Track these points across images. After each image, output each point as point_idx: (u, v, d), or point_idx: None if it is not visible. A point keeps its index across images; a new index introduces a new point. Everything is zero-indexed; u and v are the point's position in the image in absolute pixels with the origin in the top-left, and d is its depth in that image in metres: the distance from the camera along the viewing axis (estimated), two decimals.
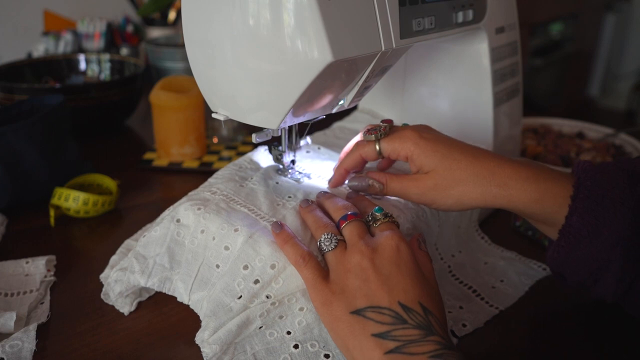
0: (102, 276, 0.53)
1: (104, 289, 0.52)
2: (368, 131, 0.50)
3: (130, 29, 1.31)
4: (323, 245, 0.44)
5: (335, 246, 0.43)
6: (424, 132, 0.49)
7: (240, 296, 0.44)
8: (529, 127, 0.89)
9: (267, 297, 0.44)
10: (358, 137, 0.54)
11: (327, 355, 0.42)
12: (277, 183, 0.54)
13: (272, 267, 0.44)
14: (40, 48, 1.25)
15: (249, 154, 0.59)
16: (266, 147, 0.59)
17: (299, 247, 0.44)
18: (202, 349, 0.43)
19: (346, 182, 0.53)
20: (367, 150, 0.51)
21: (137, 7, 1.29)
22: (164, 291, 0.49)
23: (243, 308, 0.44)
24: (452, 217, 0.58)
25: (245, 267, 0.45)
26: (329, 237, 0.44)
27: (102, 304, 0.51)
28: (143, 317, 0.50)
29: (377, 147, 0.50)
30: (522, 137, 0.75)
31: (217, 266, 0.46)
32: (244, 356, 0.43)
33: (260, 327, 0.44)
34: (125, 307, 0.51)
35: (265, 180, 0.54)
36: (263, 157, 0.59)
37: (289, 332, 0.43)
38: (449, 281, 0.55)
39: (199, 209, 0.49)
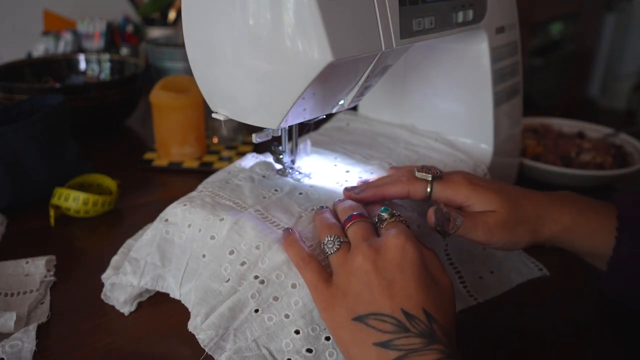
0: (104, 276, 0.53)
1: (104, 289, 0.52)
2: (423, 168, 0.49)
3: (130, 29, 1.31)
4: (326, 248, 0.43)
5: (338, 248, 0.42)
6: (472, 177, 0.49)
7: (228, 279, 0.44)
8: (529, 127, 0.89)
9: (255, 277, 0.44)
10: (401, 171, 0.52)
11: (327, 338, 0.42)
12: (263, 177, 0.54)
13: (257, 247, 0.44)
14: (40, 48, 1.25)
15: (238, 161, 0.59)
16: (254, 154, 0.59)
17: (300, 249, 0.43)
18: (197, 336, 0.43)
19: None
20: (416, 188, 0.48)
21: (137, 7, 1.29)
22: (157, 289, 0.50)
23: (232, 290, 0.44)
24: None
25: (231, 252, 0.45)
26: (332, 239, 0.43)
27: (102, 304, 0.51)
28: (143, 317, 0.50)
29: (429, 189, 0.48)
30: (522, 137, 0.75)
31: (204, 256, 0.47)
32: (245, 343, 0.43)
33: (257, 311, 0.43)
34: (125, 307, 0.51)
35: (251, 177, 0.54)
36: (252, 163, 0.59)
37: (287, 316, 0.43)
38: (442, 261, 0.55)
39: (184, 205, 0.50)
